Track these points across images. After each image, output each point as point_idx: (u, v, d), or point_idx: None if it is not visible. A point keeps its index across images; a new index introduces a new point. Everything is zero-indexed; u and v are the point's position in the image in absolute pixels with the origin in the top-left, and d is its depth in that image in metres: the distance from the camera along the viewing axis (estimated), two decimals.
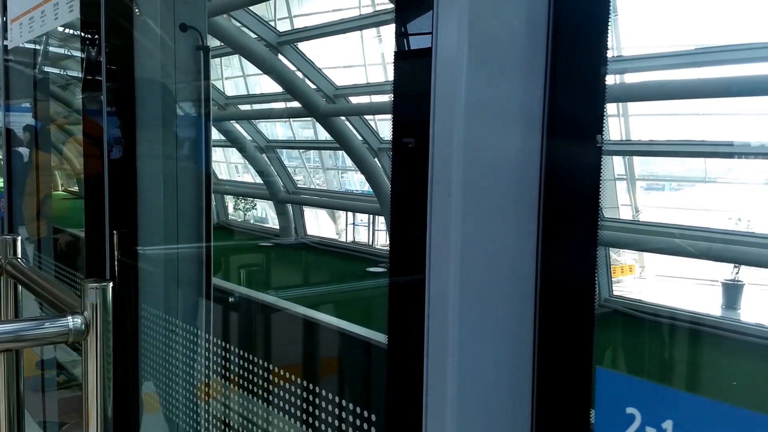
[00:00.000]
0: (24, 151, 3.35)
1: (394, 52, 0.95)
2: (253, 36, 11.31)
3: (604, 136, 0.87)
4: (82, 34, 2.03)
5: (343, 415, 1.30)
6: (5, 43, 2.88)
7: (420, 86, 0.88)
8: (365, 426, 1.23)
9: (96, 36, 1.91)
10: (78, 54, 2.13)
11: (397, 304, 0.95)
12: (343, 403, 1.31)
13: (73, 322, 1.30)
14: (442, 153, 0.86)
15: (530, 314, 0.91)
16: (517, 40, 0.87)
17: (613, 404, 0.84)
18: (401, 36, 0.95)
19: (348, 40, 12.04)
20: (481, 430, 0.89)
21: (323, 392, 1.37)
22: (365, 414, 1.24)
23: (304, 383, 1.43)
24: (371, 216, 15.35)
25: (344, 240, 16.25)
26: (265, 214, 18.39)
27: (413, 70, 0.92)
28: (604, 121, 0.88)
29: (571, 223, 0.90)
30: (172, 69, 2.03)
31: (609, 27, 0.88)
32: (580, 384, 0.89)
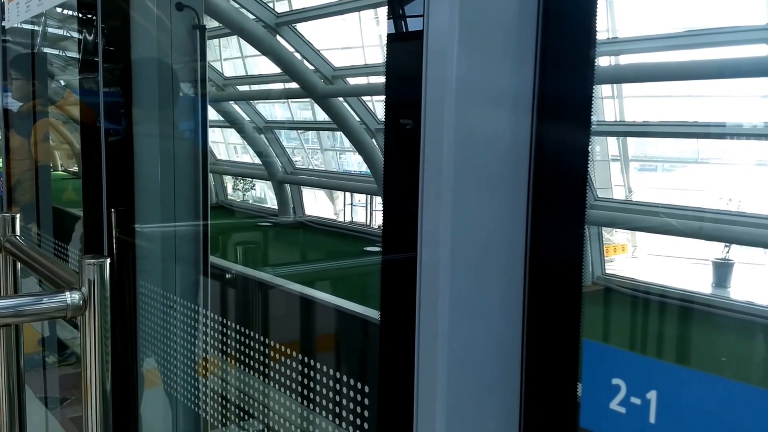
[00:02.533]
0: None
1: (387, 34, 0.96)
2: (251, 17, 11.25)
3: (593, 118, 0.88)
4: (79, 14, 2.04)
5: (338, 386, 1.33)
6: (2, 23, 2.88)
7: (411, 68, 0.89)
8: (359, 397, 1.25)
9: (92, 15, 1.91)
10: (75, 34, 2.13)
11: (389, 279, 0.97)
12: (337, 375, 1.34)
13: (71, 297, 1.31)
14: (433, 134, 0.87)
15: (519, 291, 0.93)
16: (508, 22, 0.87)
17: (600, 375, 0.86)
18: (393, 18, 0.96)
19: (346, 21, 11.99)
20: (470, 399, 0.91)
21: (318, 365, 1.40)
22: (358, 385, 1.26)
23: (299, 356, 1.46)
24: (369, 196, 15.34)
25: (342, 220, 16.25)
26: (264, 194, 18.38)
27: (405, 52, 0.93)
28: (593, 103, 0.88)
29: (559, 202, 0.91)
30: (168, 48, 2.03)
31: (599, 9, 0.89)
32: (568, 357, 0.91)
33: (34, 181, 3.32)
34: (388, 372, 0.98)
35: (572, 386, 0.91)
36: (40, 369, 3.22)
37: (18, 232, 1.77)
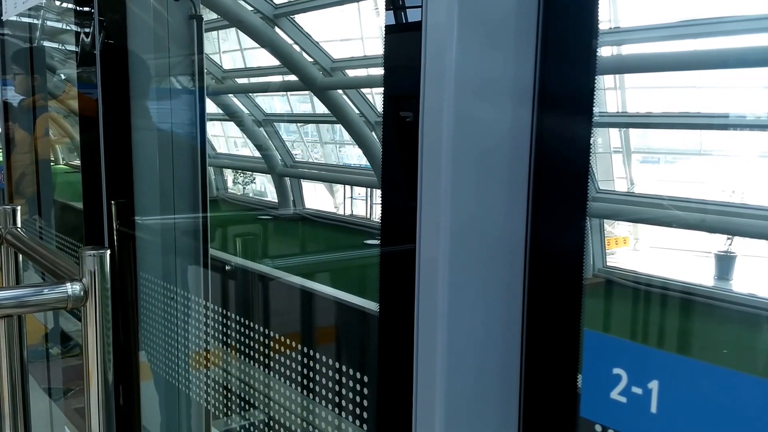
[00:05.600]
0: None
1: (385, 25, 0.96)
2: (249, 8, 11.20)
3: (594, 110, 0.88)
4: (76, 6, 2.04)
5: (337, 376, 1.33)
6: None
7: (410, 60, 0.89)
8: (358, 387, 1.26)
9: (89, 7, 1.91)
10: (74, 27, 2.13)
11: (388, 272, 0.97)
12: (336, 365, 1.34)
13: (72, 288, 1.32)
14: (432, 126, 0.87)
15: (519, 283, 0.93)
16: (508, 11, 0.87)
17: (600, 365, 0.86)
18: (391, 9, 0.96)
19: (345, 12, 11.94)
20: (469, 390, 0.92)
21: (317, 355, 1.40)
22: (357, 375, 1.27)
23: (299, 347, 1.46)
24: (369, 189, 15.30)
25: (342, 213, 16.22)
26: (264, 187, 18.35)
27: (403, 43, 0.93)
28: (595, 94, 0.88)
29: (560, 194, 0.91)
30: (165, 39, 2.03)
31: None
32: (568, 348, 0.91)
33: (35, 175, 3.32)
34: (388, 363, 0.99)
35: (572, 377, 0.91)
36: (44, 360, 3.24)
37: (19, 224, 1.78)
